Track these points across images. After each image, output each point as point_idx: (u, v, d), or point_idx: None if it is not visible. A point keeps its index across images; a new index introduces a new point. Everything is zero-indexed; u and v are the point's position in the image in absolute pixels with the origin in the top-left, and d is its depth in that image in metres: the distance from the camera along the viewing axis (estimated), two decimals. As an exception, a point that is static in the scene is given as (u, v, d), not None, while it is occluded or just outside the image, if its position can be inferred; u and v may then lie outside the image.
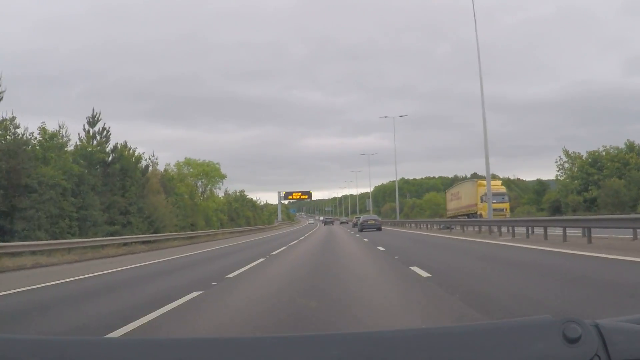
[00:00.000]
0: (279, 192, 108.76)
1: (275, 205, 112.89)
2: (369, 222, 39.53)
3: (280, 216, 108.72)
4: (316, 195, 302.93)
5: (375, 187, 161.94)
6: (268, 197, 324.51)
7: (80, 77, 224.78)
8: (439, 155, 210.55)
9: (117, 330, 4.89)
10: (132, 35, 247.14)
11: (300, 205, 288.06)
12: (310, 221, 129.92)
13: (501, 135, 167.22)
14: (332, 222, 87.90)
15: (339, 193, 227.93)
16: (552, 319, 0.99)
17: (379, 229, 37.96)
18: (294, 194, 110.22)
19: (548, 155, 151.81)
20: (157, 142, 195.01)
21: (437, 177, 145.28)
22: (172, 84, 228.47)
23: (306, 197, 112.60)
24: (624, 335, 0.98)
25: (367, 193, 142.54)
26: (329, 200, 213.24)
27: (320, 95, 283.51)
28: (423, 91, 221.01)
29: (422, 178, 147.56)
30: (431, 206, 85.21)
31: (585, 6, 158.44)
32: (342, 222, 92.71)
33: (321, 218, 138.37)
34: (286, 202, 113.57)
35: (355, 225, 51.17)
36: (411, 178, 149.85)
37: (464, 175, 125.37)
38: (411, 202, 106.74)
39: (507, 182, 69.63)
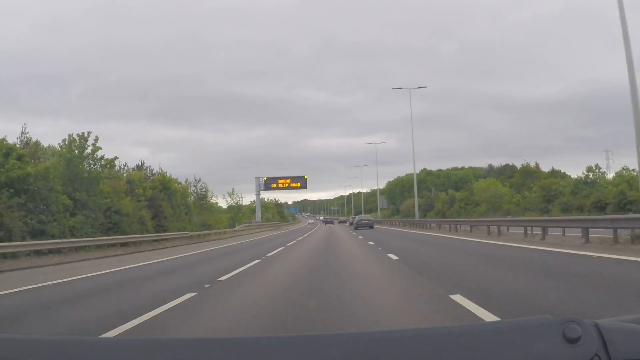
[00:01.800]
0: (257, 179, 75.19)
1: (282, 205, 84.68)
2: (362, 222, 46.24)
3: (259, 215, 75.12)
4: (321, 195, 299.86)
5: (389, 182, 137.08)
6: (272, 196, 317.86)
7: (81, 77, 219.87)
8: (444, 156, 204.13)
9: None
10: (132, 35, 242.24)
11: (304, 205, 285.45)
12: (310, 221, 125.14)
13: (507, 136, 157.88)
14: (332, 222, 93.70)
15: (346, 191, 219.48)
16: (552, 319, 1.00)
17: (371, 227, 44.12)
18: (279, 181, 76.39)
19: (556, 156, 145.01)
20: (160, 143, 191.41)
21: (466, 167, 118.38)
22: (174, 83, 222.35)
23: (298, 185, 76.99)
24: (624, 335, 0.99)
25: (378, 190, 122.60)
26: (335, 199, 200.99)
27: (324, 95, 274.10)
28: (429, 91, 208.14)
29: (448, 169, 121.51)
30: (488, 199, 56.25)
31: (593, 3, 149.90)
32: (340, 222, 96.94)
33: (322, 217, 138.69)
34: (274, 194, 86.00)
35: (351, 224, 55.91)
36: (435, 169, 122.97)
37: (499, 165, 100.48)
38: (445, 195, 78.18)
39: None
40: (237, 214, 65.04)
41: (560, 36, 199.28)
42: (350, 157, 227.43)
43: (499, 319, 4.61)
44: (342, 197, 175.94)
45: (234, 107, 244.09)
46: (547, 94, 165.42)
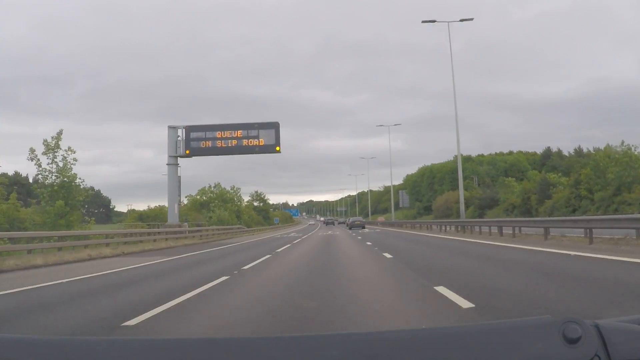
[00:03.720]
0: (170, 130, 33.09)
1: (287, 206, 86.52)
2: (356, 223, 57.11)
3: (175, 210, 33.32)
4: (328, 197, 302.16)
5: (409, 175, 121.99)
6: (279, 199, 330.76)
7: (81, 77, 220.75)
8: (449, 157, 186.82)
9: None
10: (133, 34, 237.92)
11: (309, 206, 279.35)
12: (310, 222, 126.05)
13: (513, 136, 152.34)
14: (332, 223, 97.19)
15: (357, 189, 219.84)
16: (552, 319, 1.00)
17: (363, 227, 55.11)
18: (219, 135, 32.67)
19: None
20: (164, 144, 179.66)
21: (515, 151, 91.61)
22: (176, 83, 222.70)
23: (260, 142, 32.73)
24: (624, 335, 0.98)
25: (396, 186, 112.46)
26: (342, 199, 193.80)
27: (329, 94, 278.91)
28: (434, 90, 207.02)
29: (492, 154, 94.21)
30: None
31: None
32: (339, 223, 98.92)
33: (322, 219, 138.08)
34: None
35: (347, 225, 65.37)
36: (475, 154, 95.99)
37: (564, 150, 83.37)
38: (516, 184, 50.43)
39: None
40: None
41: (567, 34, 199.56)
42: (356, 158, 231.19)
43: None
44: (350, 196, 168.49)
45: (238, 107, 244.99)
46: (554, 93, 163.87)
